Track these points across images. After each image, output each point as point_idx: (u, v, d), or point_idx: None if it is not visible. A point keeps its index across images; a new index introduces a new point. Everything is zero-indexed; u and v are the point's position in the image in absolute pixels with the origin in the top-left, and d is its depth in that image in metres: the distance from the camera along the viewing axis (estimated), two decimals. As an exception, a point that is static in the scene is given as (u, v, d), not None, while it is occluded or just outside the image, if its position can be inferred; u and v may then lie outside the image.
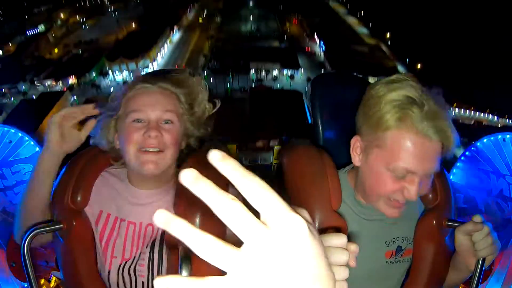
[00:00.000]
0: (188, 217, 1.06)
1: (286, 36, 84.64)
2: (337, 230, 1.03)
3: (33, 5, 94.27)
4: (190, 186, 0.37)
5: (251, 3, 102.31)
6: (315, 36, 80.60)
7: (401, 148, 1.02)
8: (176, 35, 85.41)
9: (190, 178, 0.37)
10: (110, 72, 64.94)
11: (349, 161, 1.22)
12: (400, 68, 65.44)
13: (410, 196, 1.05)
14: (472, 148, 2.19)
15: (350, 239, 0.75)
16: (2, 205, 2.05)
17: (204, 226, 0.88)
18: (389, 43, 77.70)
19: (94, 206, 1.26)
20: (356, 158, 1.16)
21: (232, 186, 0.38)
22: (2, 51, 75.79)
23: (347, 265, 0.66)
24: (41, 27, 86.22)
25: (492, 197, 2.09)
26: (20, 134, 1.96)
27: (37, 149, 2.04)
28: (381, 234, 1.24)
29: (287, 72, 65.72)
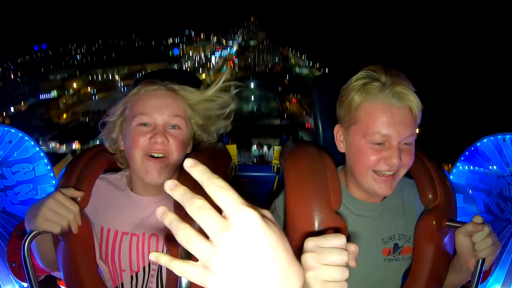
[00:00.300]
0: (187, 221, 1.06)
1: (286, 114, 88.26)
2: (337, 230, 1.01)
3: (49, 72, 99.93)
4: (171, 193, 0.47)
5: (252, 85, 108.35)
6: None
7: (372, 117, 1.10)
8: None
9: (171, 186, 0.47)
10: (113, 141, 66.12)
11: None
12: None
13: (391, 162, 1.08)
14: (472, 148, 2.16)
15: (349, 239, 0.74)
16: (2, 205, 1.99)
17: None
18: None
19: (94, 220, 1.23)
20: (341, 145, 1.22)
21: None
22: (13, 108, 78.56)
23: (347, 266, 0.68)
24: (53, 93, 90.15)
25: (492, 197, 2.04)
26: (20, 134, 1.95)
27: (37, 149, 2.05)
28: (378, 231, 1.21)
29: (288, 147, 66.68)
